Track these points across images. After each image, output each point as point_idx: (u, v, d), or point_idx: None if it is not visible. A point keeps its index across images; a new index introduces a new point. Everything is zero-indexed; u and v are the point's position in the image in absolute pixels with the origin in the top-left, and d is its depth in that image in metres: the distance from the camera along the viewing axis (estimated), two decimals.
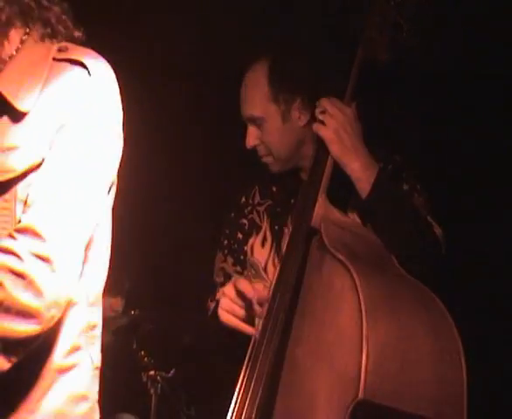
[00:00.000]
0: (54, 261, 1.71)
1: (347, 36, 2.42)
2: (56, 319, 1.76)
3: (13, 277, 1.68)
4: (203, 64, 3.86)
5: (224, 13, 3.52)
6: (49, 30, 1.91)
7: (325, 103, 2.38)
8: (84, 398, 1.91)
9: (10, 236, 1.72)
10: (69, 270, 1.75)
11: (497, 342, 3.30)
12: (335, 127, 2.34)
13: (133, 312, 3.58)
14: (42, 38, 1.90)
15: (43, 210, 1.74)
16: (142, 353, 3.56)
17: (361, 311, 1.95)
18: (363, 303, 1.96)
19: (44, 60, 1.87)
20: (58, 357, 1.84)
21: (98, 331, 1.99)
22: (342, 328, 2.00)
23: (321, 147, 2.37)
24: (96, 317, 1.98)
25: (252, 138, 2.66)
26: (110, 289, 3.59)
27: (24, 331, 1.69)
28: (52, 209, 1.75)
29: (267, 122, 2.62)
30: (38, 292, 1.69)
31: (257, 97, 2.65)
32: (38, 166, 1.78)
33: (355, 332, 1.95)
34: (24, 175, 1.78)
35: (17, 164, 1.77)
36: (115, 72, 1.92)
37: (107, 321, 3.52)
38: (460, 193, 3.50)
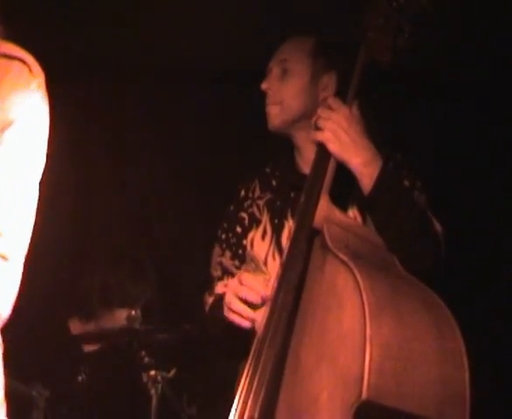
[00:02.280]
0: (10, 258, 1.73)
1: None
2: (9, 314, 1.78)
3: None
4: (203, 60, 3.86)
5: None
6: None
7: (319, 110, 2.40)
8: None
9: None
10: (20, 267, 1.77)
11: (500, 342, 3.31)
12: (331, 126, 2.35)
13: (133, 313, 3.58)
14: None
15: (2, 210, 1.74)
16: (143, 353, 3.56)
17: (364, 311, 1.95)
18: (366, 303, 1.96)
19: None
20: None
21: None
22: (346, 328, 2.00)
23: (321, 147, 2.37)
24: None
25: (271, 80, 2.63)
26: (126, 301, 3.62)
27: None
28: (11, 209, 1.75)
29: (296, 72, 2.60)
30: (0, 291, 1.71)
31: (298, 46, 2.65)
32: None
33: (358, 332, 1.95)
34: None
35: None
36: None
37: (107, 322, 3.55)
38: (460, 191, 3.52)
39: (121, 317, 3.59)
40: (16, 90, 1.80)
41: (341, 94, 2.41)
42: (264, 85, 2.65)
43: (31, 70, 1.83)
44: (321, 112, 2.40)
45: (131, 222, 3.97)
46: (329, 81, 2.59)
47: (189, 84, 4.00)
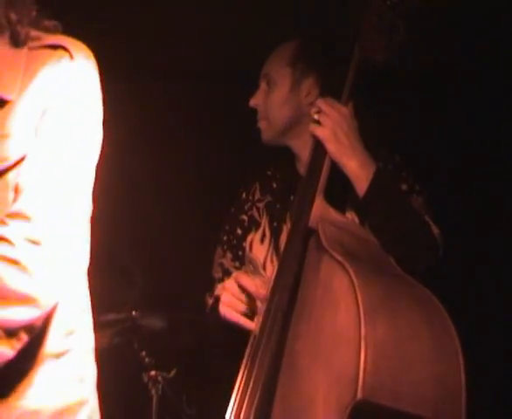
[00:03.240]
0: (45, 244, 1.73)
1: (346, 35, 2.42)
2: (54, 302, 1.78)
3: (6, 264, 1.70)
4: (203, 61, 3.86)
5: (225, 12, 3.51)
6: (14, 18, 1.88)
7: (320, 103, 2.39)
8: (81, 380, 1.92)
9: (1, 222, 1.74)
10: (60, 252, 1.77)
11: (496, 341, 3.31)
12: (332, 125, 2.34)
13: (134, 313, 3.58)
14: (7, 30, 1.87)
15: (32, 195, 1.75)
16: (143, 353, 3.56)
17: (359, 311, 1.95)
18: (361, 303, 1.96)
19: (18, 49, 1.86)
20: (52, 342, 1.85)
21: (88, 314, 2.00)
22: (341, 328, 2.00)
23: (317, 147, 2.37)
24: (86, 300, 1.99)
25: (258, 97, 2.67)
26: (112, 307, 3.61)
27: (23, 317, 1.71)
28: (41, 193, 1.76)
29: (276, 84, 2.62)
30: (32, 277, 1.71)
31: (278, 57, 2.67)
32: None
33: (353, 332, 1.95)
34: (15, 164, 1.79)
35: (9, 153, 1.78)
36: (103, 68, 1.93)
37: (108, 322, 3.55)
38: (459, 194, 3.51)
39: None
40: (53, 77, 1.82)
41: (333, 94, 2.40)
42: (251, 103, 2.69)
43: (71, 56, 1.84)
44: (323, 104, 2.39)
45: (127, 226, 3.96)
46: (311, 85, 2.59)
47: (189, 84, 4.00)
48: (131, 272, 3.84)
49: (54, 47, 1.86)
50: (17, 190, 1.77)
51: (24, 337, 1.74)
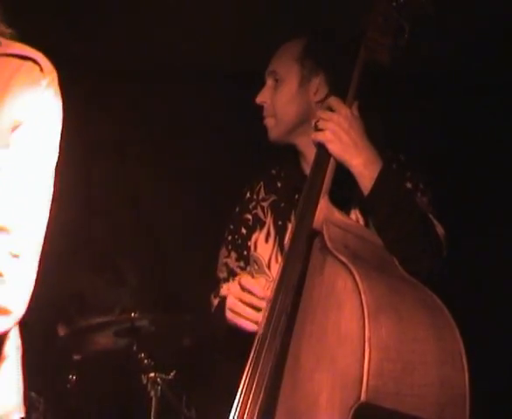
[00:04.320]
0: (23, 256, 1.74)
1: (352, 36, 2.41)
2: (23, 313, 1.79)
3: None
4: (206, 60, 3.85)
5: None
6: None
7: (319, 112, 2.40)
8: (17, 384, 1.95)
9: None
10: (35, 264, 1.79)
11: (499, 343, 3.30)
12: (332, 127, 2.34)
13: (133, 315, 3.57)
14: None
15: (9, 208, 1.75)
16: (142, 355, 3.55)
17: (363, 313, 1.94)
18: (365, 305, 1.95)
19: None
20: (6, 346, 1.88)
21: None
22: (345, 330, 1.99)
23: (321, 148, 2.36)
24: None
25: (265, 93, 2.64)
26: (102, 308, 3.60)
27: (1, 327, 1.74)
28: (18, 206, 1.76)
29: (284, 81, 2.60)
30: (11, 289, 1.73)
31: (286, 54, 2.65)
32: None
33: (357, 334, 1.94)
34: None
35: None
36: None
37: (107, 324, 3.54)
38: (463, 193, 3.51)
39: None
40: (26, 90, 1.81)
41: (340, 94, 2.40)
42: (257, 99, 2.66)
43: (42, 69, 1.84)
44: (322, 113, 2.39)
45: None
46: (320, 84, 2.58)
47: (193, 85, 4.00)
48: (125, 272, 3.84)
49: (22, 57, 1.84)
50: None
51: None
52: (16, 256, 1.73)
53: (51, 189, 1.86)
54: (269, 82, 2.65)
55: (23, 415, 1.95)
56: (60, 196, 1.89)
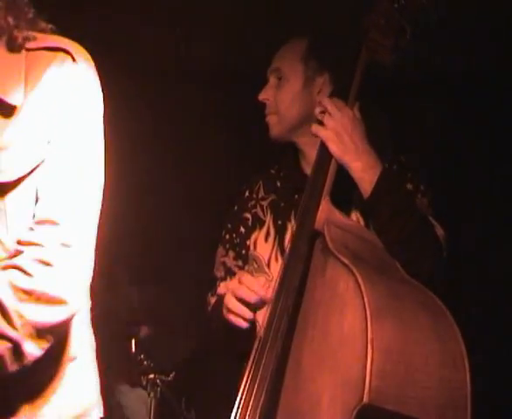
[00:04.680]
0: (74, 247, 1.75)
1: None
2: (81, 305, 1.81)
3: (41, 266, 1.72)
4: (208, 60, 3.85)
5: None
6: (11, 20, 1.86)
7: (325, 103, 2.38)
8: (92, 383, 1.95)
9: (31, 229, 1.75)
10: (88, 254, 1.80)
11: (501, 345, 3.30)
12: (334, 126, 2.33)
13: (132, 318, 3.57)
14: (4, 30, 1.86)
15: (57, 201, 1.77)
16: (142, 356, 3.55)
17: (366, 314, 1.94)
18: (367, 306, 1.95)
19: (16, 53, 1.84)
20: (71, 346, 1.87)
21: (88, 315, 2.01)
22: (347, 332, 1.99)
23: (322, 148, 2.36)
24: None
25: (268, 91, 2.64)
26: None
27: (54, 317, 1.73)
28: (65, 199, 1.78)
29: (289, 80, 2.59)
30: (63, 279, 1.74)
31: (290, 53, 2.64)
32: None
33: (359, 335, 1.94)
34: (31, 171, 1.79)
35: (12, 166, 1.77)
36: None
37: (107, 325, 3.53)
38: (464, 194, 3.51)
39: None
40: (61, 82, 1.81)
41: (341, 94, 2.39)
42: (260, 97, 2.65)
43: (73, 58, 1.83)
44: (327, 104, 2.38)
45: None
46: (323, 83, 2.57)
47: (192, 85, 3.99)
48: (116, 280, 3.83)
49: (54, 49, 1.84)
50: (37, 198, 1.78)
51: (51, 338, 1.75)
52: (66, 245, 1.74)
53: (101, 178, 1.86)
54: (272, 80, 2.64)
55: (101, 414, 1.96)
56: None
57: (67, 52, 1.84)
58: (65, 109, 1.81)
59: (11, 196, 1.78)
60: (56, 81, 1.81)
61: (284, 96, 2.60)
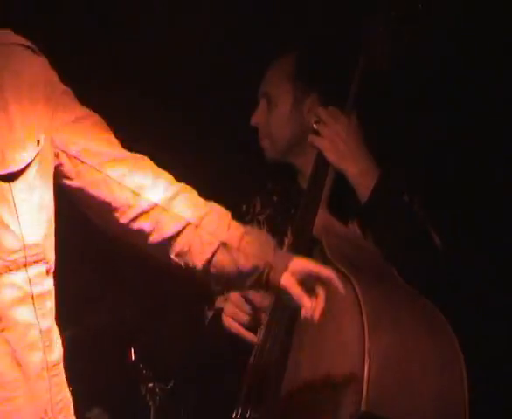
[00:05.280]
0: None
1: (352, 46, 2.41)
2: None
3: None
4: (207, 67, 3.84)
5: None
6: None
7: (320, 112, 2.39)
8: None
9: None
10: None
11: (499, 354, 3.29)
12: (330, 135, 2.34)
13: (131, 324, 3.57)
14: None
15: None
16: (141, 365, 3.55)
17: (363, 323, 1.95)
18: (365, 315, 1.96)
19: None
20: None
21: None
22: (344, 340, 2.00)
23: (319, 158, 2.37)
24: None
25: (259, 115, 2.62)
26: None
27: None
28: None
29: (278, 103, 2.58)
30: None
31: (277, 75, 2.62)
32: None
33: (357, 344, 1.95)
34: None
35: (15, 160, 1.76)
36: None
37: (105, 333, 3.53)
38: (462, 205, 3.49)
39: None
40: (35, 72, 1.82)
41: (338, 103, 2.40)
42: (252, 122, 2.64)
43: (34, 50, 1.84)
44: (322, 114, 2.38)
45: None
46: (313, 102, 2.56)
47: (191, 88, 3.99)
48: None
49: (8, 44, 1.83)
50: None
51: None
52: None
53: None
54: (262, 103, 2.63)
55: None
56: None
57: (27, 46, 1.84)
58: (54, 90, 1.83)
59: (19, 187, 1.75)
60: (23, 74, 1.80)
61: (274, 120, 2.58)
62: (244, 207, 2.72)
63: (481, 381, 2.28)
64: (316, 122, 2.39)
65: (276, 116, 2.58)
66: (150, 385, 3.49)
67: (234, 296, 2.38)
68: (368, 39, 2.36)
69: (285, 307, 2.17)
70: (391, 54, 2.35)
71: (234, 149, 3.92)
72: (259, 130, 2.64)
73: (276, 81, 2.61)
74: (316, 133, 2.38)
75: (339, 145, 2.33)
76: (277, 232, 2.59)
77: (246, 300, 2.35)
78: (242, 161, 3.77)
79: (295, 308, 1.89)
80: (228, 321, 2.38)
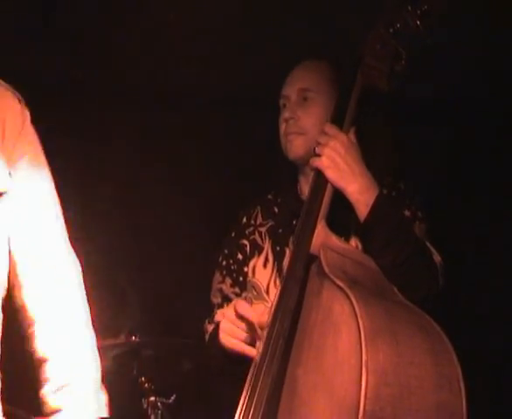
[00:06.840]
0: None
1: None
2: None
3: None
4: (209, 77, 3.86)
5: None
6: None
7: (318, 136, 2.39)
8: None
9: None
10: None
11: (497, 366, 3.30)
12: (329, 153, 2.34)
13: (133, 338, 3.57)
14: None
15: None
16: (143, 379, 3.55)
17: (360, 337, 1.95)
18: (362, 329, 1.96)
19: None
20: None
21: None
22: (342, 354, 2.00)
23: (318, 175, 2.37)
24: None
25: (294, 109, 2.57)
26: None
27: None
28: None
29: (319, 102, 2.56)
30: None
31: (317, 74, 2.60)
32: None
33: (354, 358, 1.95)
34: None
35: None
36: None
37: (107, 347, 3.53)
38: (462, 221, 3.51)
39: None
40: (16, 122, 1.84)
41: (337, 120, 2.40)
42: (287, 115, 2.58)
43: (20, 100, 1.86)
44: (320, 137, 2.39)
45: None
46: None
47: (192, 111, 4.01)
48: (127, 295, 3.83)
49: None
50: None
51: None
52: None
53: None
54: (296, 99, 2.58)
55: None
56: None
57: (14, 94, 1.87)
58: (26, 146, 1.87)
59: None
60: (9, 119, 1.83)
61: (314, 118, 2.55)
62: (244, 219, 2.72)
63: (480, 394, 2.29)
64: (315, 146, 2.39)
65: (316, 115, 2.55)
66: (152, 399, 3.50)
67: (229, 312, 2.39)
68: (364, 56, 2.37)
69: (283, 321, 2.18)
70: (389, 72, 2.35)
71: (235, 161, 3.95)
72: (289, 124, 2.58)
73: (317, 81, 2.59)
74: (316, 155, 2.38)
75: (338, 163, 2.33)
76: (278, 244, 2.60)
77: (242, 318, 2.35)
78: (243, 172, 3.79)
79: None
80: (224, 338, 2.39)
